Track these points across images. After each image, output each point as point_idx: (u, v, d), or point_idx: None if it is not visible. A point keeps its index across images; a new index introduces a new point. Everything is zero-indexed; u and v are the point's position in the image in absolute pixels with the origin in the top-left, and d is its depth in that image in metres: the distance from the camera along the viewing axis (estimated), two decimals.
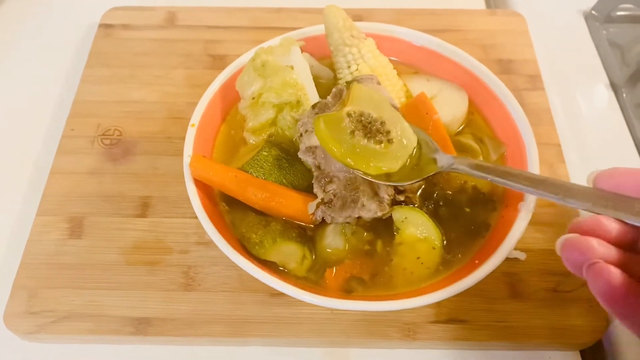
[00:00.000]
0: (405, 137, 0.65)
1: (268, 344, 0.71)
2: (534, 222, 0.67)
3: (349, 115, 0.65)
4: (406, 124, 0.66)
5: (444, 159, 0.65)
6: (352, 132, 0.64)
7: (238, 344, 0.72)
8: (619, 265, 0.45)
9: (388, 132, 0.65)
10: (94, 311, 0.72)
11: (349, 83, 0.71)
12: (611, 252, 0.47)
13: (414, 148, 0.66)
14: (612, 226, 0.48)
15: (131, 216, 0.80)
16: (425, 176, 0.64)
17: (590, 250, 0.46)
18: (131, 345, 0.72)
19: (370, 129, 0.64)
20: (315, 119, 0.65)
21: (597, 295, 0.45)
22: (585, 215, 0.54)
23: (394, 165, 0.64)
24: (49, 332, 0.71)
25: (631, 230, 0.48)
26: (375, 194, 0.66)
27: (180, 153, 0.74)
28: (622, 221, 0.48)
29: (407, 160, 0.65)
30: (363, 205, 0.65)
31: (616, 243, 0.47)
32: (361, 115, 0.65)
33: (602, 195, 0.49)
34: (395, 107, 0.69)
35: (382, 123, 0.65)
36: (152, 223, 0.79)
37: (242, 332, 0.70)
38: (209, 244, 0.76)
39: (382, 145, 0.64)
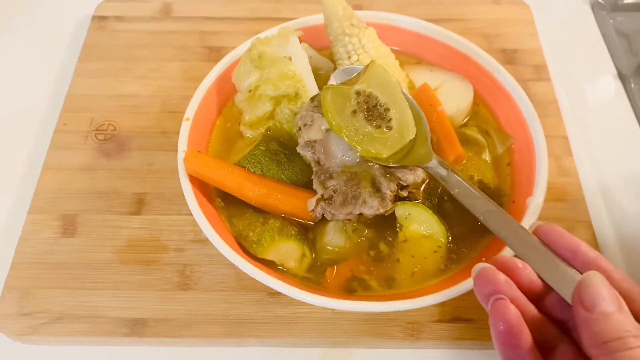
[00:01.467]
0: (405, 128, 0.65)
1: (267, 344, 0.70)
2: (541, 218, 0.65)
3: (357, 93, 0.66)
4: (410, 117, 0.66)
5: (425, 153, 0.66)
6: (355, 111, 0.65)
7: (236, 344, 0.70)
8: (520, 310, 0.48)
9: (389, 120, 0.65)
10: (88, 312, 0.70)
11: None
12: (517, 294, 0.49)
13: (410, 141, 0.65)
14: (524, 274, 0.50)
15: (125, 213, 0.78)
16: (406, 164, 0.65)
17: (498, 285, 0.48)
18: (126, 346, 0.70)
19: (373, 112, 0.65)
20: (324, 88, 0.66)
21: (493, 330, 0.47)
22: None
23: (383, 152, 0.64)
24: (42, 334, 0.69)
25: (541, 286, 0.51)
26: (377, 189, 0.64)
27: (175, 148, 0.72)
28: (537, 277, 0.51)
29: (398, 151, 0.64)
30: (364, 202, 0.63)
31: (525, 290, 0.50)
32: (369, 96, 0.66)
33: (536, 246, 0.51)
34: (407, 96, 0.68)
35: (387, 109, 0.65)
36: (147, 220, 0.77)
37: (240, 333, 0.68)
38: (206, 241, 0.73)
39: (379, 130, 0.64)
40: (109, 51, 0.96)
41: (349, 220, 0.66)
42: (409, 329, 0.68)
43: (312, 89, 0.74)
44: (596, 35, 1.02)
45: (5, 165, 0.86)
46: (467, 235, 0.68)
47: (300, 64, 0.73)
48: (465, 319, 0.69)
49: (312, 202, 0.66)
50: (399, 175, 0.64)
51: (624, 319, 0.43)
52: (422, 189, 0.69)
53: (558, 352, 0.48)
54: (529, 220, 0.64)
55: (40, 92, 0.95)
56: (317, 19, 0.82)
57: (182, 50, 0.96)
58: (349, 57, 0.76)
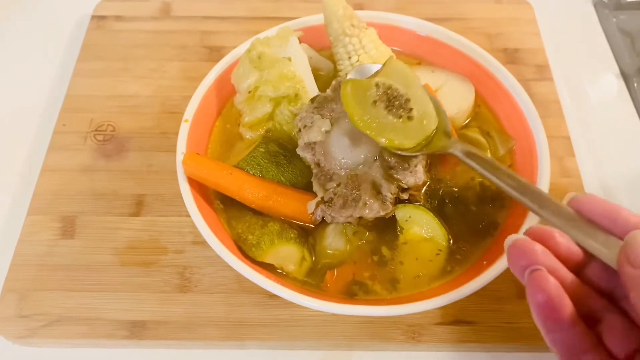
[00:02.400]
0: (427, 119, 0.65)
1: (267, 347, 0.69)
2: (543, 221, 0.65)
3: (377, 85, 0.66)
4: (431, 107, 0.66)
5: (447, 142, 0.65)
6: (375, 102, 0.65)
7: (236, 347, 0.69)
8: (560, 281, 0.45)
9: (410, 110, 0.65)
10: (87, 314, 0.69)
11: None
12: (556, 265, 0.46)
13: (433, 131, 0.65)
14: (563, 242, 0.47)
15: (125, 215, 0.77)
16: (429, 152, 0.64)
17: (534, 255, 0.45)
18: (125, 349, 0.70)
19: (394, 103, 0.65)
20: (344, 81, 0.66)
21: (531, 303, 0.45)
22: None
23: (407, 143, 0.63)
24: (41, 336, 0.68)
25: (581, 255, 0.47)
26: (377, 192, 0.63)
27: (175, 149, 0.71)
28: (576, 243, 0.48)
29: (420, 142, 0.64)
30: (365, 204, 0.62)
31: (564, 260, 0.47)
32: (389, 88, 0.65)
33: (573, 216, 0.48)
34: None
35: (407, 100, 0.65)
36: (147, 222, 0.77)
37: (239, 335, 0.68)
38: (205, 243, 0.72)
39: (401, 120, 0.64)
40: (108, 51, 0.96)
41: (349, 223, 0.65)
42: (410, 332, 0.68)
43: (312, 90, 0.73)
44: (599, 34, 1.02)
45: (4, 166, 0.86)
46: (469, 237, 0.67)
47: (300, 64, 0.72)
48: (467, 321, 0.68)
49: (312, 205, 0.66)
50: (400, 177, 0.64)
51: None
52: (422, 191, 0.68)
53: (605, 324, 0.45)
54: (531, 223, 0.63)
55: (39, 92, 0.94)
56: (317, 19, 0.82)
57: (181, 50, 0.96)
58: (349, 58, 0.76)
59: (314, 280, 0.66)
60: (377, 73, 0.68)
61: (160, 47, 0.96)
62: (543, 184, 0.66)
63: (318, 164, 0.67)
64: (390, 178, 0.64)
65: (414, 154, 0.64)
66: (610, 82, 0.95)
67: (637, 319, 0.43)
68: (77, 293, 0.71)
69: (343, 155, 0.65)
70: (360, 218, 0.64)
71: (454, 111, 0.75)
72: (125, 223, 0.77)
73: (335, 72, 0.80)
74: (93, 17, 1.01)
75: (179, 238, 0.75)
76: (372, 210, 0.62)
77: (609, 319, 0.45)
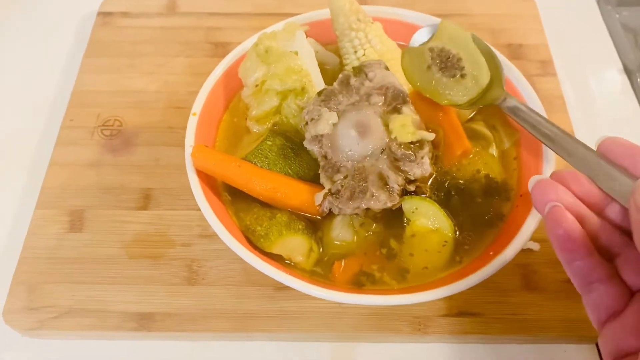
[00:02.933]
0: (479, 73, 0.70)
1: (274, 338, 0.70)
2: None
3: (430, 50, 0.72)
4: (483, 62, 0.70)
5: (498, 94, 0.69)
6: (429, 66, 0.71)
7: (243, 339, 0.70)
8: (580, 218, 0.48)
9: (462, 68, 0.70)
10: (96, 306, 0.70)
11: (355, 68, 0.69)
12: (576, 203, 0.49)
13: (485, 86, 0.69)
14: (585, 184, 0.50)
15: (132, 209, 0.78)
16: (482, 105, 0.70)
17: (556, 193, 0.49)
18: (134, 341, 0.70)
19: (446, 64, 0.71)
20: (402, 51, 0.74)
21: (551, 235, 0.48)
22: None
23: (460, 99, 0.69)
24: (50, 328, 0.69)
25: (602, 196, 0.50)
26: (384, 183, 0.64)
27: (182, 143, 0.72)
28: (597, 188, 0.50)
29: (475, 96, 0.69)
30: (372, 196, 0.63)
31: (585, 201, 0.50)
32: (442, 50, 0.72)
33: (597, 162, 0.51)
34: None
35: (459, 60, 0.70)
36: (154, 215, 0.77)
37: (247, 327, 0.68)
38: (213, 236, 0.74)
39: (455, 79, 0.70)
40: (115, 47, 0.96)
41: (356, 214, 0.66)
42: (416, 324, 0.68)
43: (319, 83, 0.74)
44: (602, 30, 1.02)
45: (13, 161, 0.86)
46: (475, 229, 0.68)
47: (306, 58, 0.73)
48: (472, 313, 0.69)
49: (319, 197, 0.66)
50: (406, 169, 0.64)
51: None
52: (429, 183, 0.69)
53: (622, 257, 0.48)
54: (536, 215, 0.64)
55: (46, 88, 0.95)
56: (322, 13, 0.82)
57: (187, 46, 0.96)
58: (355, 52, 0.76)
59: (321, 270, 0.66)
60: (432, 38, 0.75)
61: (166, 43, 0.97)
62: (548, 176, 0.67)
63: (325, 157, 0.67)
64: (396, 170, 0.64)
65: (468, 108, 0.70)
66: (613, 78, 0.96)
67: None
68: (85, 285, 0.72)
69: (350, 147, 0.66)
70: (367, 209, 0.64)
71: None
72: (133, 217, 0.77)
73: (341, 66, 0.80)
74: (99, 13, 1.01)
75: (187, 231, 0.76)
76: (379, 201, 0.63)
77: (626, 253, 0.48)
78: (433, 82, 0.70)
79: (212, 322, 0.69)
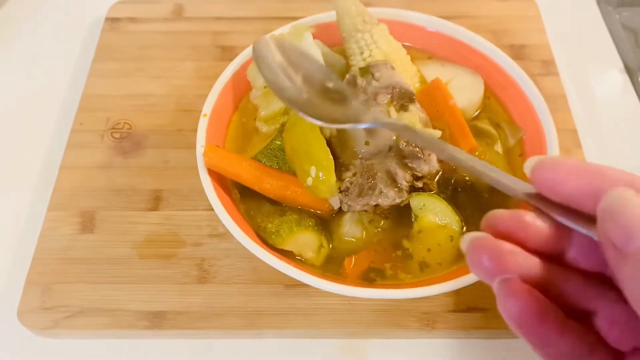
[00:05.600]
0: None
1: (284, 335, 0.70)
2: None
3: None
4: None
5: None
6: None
7: (254, 336, 0.71)
8: (538, 280, 0.37)
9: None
10: (109, 306, 0.71)
11: (361, 69, 0.71)
12: (529, 263, 0.37)
13: None
14: (536, 227, 0.38)
15: (143, 210, 0.79)
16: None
17: (502, 260, 0.36)
18: (146, 339, 0.71)
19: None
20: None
21: (506, 318, 0.36)
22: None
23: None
24: (64, 328, 0.70)
25: (559, 237, 0.38)
26: (393, 180, 0.65)
27: (191, 146, 0.73)
28: (551, 223, 0.38)
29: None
30: (381, 192, 0.64)
31: (538, 250, 0.38)
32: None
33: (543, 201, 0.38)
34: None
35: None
36: (165, 216, 0.78)
37: (257, 324, 0.69)
38: (222, 236, 0.75)
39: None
40: (123, 52, 0.98)
41: (365, 211, 0.67)
42: (425, 319, 0.69)
43: None
44: (602, 30, 1.03)
45: (24, 164, 0.87)
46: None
47: None
48: (479, 308, 0.69)
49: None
50: (414, 166, 0.65)
51: None
52: (436, 179, 0.70)
53: (601, 315, 0.37)
54: None
55: (55, 92, 0.96)
56: (328, 16, 0.84)
57: (195, 50, 0.98)
58: (362, 53, 0.77)
59: (332, 266, 0.67)
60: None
61: (173, 47, 0.98)
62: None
63: (334, 155, 0.68)
64: (404, 167, 0.65)
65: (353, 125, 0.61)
66: (614, 77, 0.97)
67: (632, 307, 0.33)
68: (98, 285, 0.72)
69: (358, 145, 0.67)
70: (376, 206, 0.65)
71: (464, 103, 0.76)
72: (144, 217, 0.78)
73: (347, 67, 0.82)
74: (107, 19, 1.02)
75: (197, 231, 0.77)
76: (388, 198, 0.64)
77: (605, 308, 0.37)
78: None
79: (223, 320, 0.70)
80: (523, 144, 0.75)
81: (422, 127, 0.66)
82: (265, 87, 0.74)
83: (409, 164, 0.65)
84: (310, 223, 0.68)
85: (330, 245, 0.69)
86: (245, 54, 0.81)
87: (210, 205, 0.68)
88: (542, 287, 0.37)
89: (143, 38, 1.00)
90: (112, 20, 1.02)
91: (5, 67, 1.01)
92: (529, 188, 0.39)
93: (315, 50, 0.75)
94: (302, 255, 0.67)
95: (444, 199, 0.67)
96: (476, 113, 0.79)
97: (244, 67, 0.80)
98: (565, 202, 0.37)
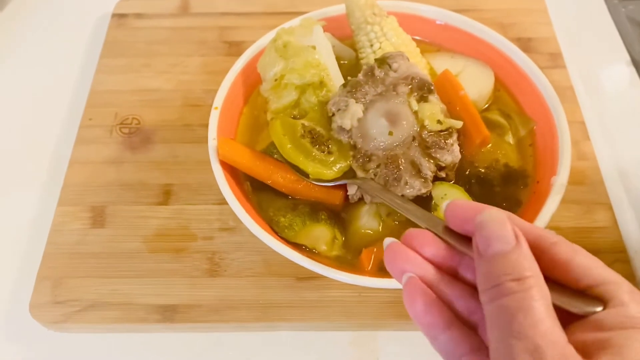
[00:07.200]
0: (344, 155, 0.69)
1: (296, 328, 0.71)
2: (562, 200, 0.66)
3: (303, 125, 0.70)
4: (347, 150, 0.69)
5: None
6: (302, 136, 0.69)
7: (265, 329, 0.71)
8: (431, 284, 0.44)
9: (330, 147, 0.69)
10: (120, 300, 0.71)
11: (378, 60, 0.70)
12: (426, 268, 0.45)
13: (347, 167, 0.68)
14: (436, 245, 0.46)
15: (153, 204, 0.79)
16: (338, 182, 0.68)
17: (407, 261, 0.45)
18: (157, 333, 0.71)
19: (317, 139, 0.69)
20: (273, 118, 0.71)
21: (410, 312, 0.44)
22: None
23: (327, 173, 0.67)
24: (75, 322, 0.70)
25: (453, 255, 0.45)
26: (417, 171, 0.65)
27: (199, 140, 0.73)
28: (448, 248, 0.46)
29: (339, 174, 0.68)
30: (406, 183, 0.64)
31: (436, 263, 0.45)
32: (313, 129, 0.70)
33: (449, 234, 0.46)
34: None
35: (329, 139, 0.70)
36: (175, 210, 0.78)
37: (269, 317, 0.69)
38: (233, 229, 0.76)
39: (324, 154, 0.68)
40: (130, 48, 0.98)
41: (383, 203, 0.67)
42: None
43: (336, 77, 0.75)
44: (608, 23, 1.03)
45: (34, 160, 0.87)
46: None
47: (324, 52, 0.74)
48: None
49: (353, 187, 0.67)
50: (438, 156, 0.65)
51: (515, 258, 0.38)
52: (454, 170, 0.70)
53: (482, 326, 0.43)
54: (554, 200, 0.65)
55: (64, 88, 0.96)
56: (337, 9, 0.84)
57: (201, 46, 0.98)
58: (371, 45, 0.77)
59: (346, 258, 0.67)
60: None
61: (180, 43, 0.98)
62: (565, 161, 0.68)
63: (354, 146, 0.68)
64: (428, 157, 0.65)
65: (331, 183, 0.68)
66: (621, 70, 0.97)
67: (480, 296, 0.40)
68: (109, 279, 0.72)
69: (381, 136, 0.67)
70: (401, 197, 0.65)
71: (474, 95, 0.76)
72: (154, 212, 0.78)
73: (357, 60, 0.82)
74: (114, 15, 1.03)
75: (207, 225, 0.77)
76: (414, 188, 0.64)
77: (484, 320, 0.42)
78: (303, 150, 0.67)
79: (234, 313, 0.70)
80: (534, 134, 0.75)
81: (444, 118, 0.66)
82: (275, 79, 0.74)
83: (433, 154, 0.65)
84: (323, 216, 0.68)
85: (343, 238, 0.69)
86: (255, 47, 0.81)
87: (221, 198, 0.68)
88: (434, 290, 0.44)
89: (150, 34, 1.00)
90: (119, 17, 1.02)
91: (13, 63, 1.01)
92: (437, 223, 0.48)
93: (325, 42, 0.75)
94: (315, 248, 0.67)
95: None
96: (486, 105, 0.79)
97: (253, 60, 0.80)
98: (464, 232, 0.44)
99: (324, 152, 0.68)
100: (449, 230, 0.46)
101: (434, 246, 0.45)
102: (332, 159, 0.68)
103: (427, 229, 0.48)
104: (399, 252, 0.45)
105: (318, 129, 0.70)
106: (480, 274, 0.39)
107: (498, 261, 0.38)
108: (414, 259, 0.45)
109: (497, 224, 0.39)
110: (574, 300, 0.38)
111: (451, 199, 0.65)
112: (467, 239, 0.43)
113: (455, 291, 0.44)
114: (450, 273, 0.45)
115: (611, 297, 0.38)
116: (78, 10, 1.08)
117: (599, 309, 0.38)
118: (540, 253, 0.40)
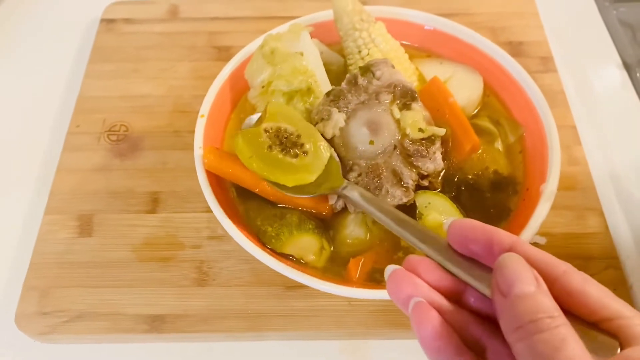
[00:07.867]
0: (320, 149, 0.66)
1: (285, 337, 0.70)
2: (553, 206, 0.66)
3: (266, 130, 0.66)
4: (320, 137, 0.67)
5: (340, 181, 0.65)
6: (270, 146, 0.65)
7: (254, 338, 0.70)
8: (438, 310, 0.44)
9: (302, 145, 0.66)
10: (107, 310, 0.70)
11: (362, 68, 0.70)
12: (432, 294, 0.45)
13: (328, 159, 0.66)
14: (439, 272, 0.46)
15: (141, 212, 0.78)
16: (324, 193, 0.65)
17: (414, 287, 0.45)
18: (145, 343, 0.71)
19: (287, 143, 0.66)
20: (234, 135, 0.68)
21: (418, 337, 0.43)
22: None
23: (309, 177, 0.65)
24: (62, 333, 0.69)
25: (457, 283, 0.46)
26: (399, 180, 0.64)
27: (188, 147, 0.72)
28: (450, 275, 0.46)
29: (321, 173, 0.65)
30: (387, 192, 0.63)
31: (442, 289, 0.46)
32: (278, 130, 0.67)
33: (450, 255, 0.47)
34: None
35: (298, 136, 0.66)
36: (163, 219, 0.78)
37: (258, 327, 0.69)
38: (222, 238, 0.75)
39: (298, 158, 0.65)
40: (119, 53, 0.97)
41: None
42: None
43: (324, 83, 0.74)
44: (600, 26, 1.03)
45: (21, 167, 0.87)
46: (484, 221, 0.67)
47: (311, 59, 0.73)
48: None
49: (333, 196, 0.67)
50: (420, 164, 0.65)
51: (540, 299, 0.39)
52: (440, 178, 0.69)
53: (490, 350, 0.44)
54: (544, 207, 0.64)
55: (52, 94, 0.95)
56: (326, 15, 0.83)
57: (191, 51, 0.97)
58: (360, 52, 0.77)
59: (334, 269, 0.67)
60: (261, 119, 0.69)
61: (169, 48, 0.98)
62: (554, 168, 0.67)
63: (337, 155, 0.68)
64: (410, 165, 0.65)
65: (313, 195, 0.65)
66: (613, 73, 0.97)
67: (507, 340, 0.40)
68: (96, 289, 0.72)
69: (362, 145, 0.66)
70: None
71: (463, 101, 0.76)
72: (142, 220, 0.78)
73: (345, 66, 0.81)
74: (102, 20, 1.02)
75: (195, 233, 0.76)
76: (395, 197, 0.63)
77: (493, 345, 0.43)
78: (276, 163, 0.64)
79: (223, 322, 0.69)
80: (523, 140, 0.75)
81: (426, 126, 0.66)
82: (263, 86, 0.73)
83: (415, 163, 0.65)
84: (310, 226, 0.67)
85: (332, 248, 0.68)
86: (243, 53, 0.80)
87: (209, 207, 0.67)
88: (441, 316, 0.44)
89: (139, 39, 0.99)
90: (107, 22, 1.02)
91: (0, 69, 1.00)
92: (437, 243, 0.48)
93: (312, 49, 0.74)
94: (303, 258, 0.67)
95: (448, 197, 0.66)
96: (475, 111, 0.78)
97: (241, 66, 0.79)
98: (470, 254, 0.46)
99: (297, 155, 0.65)
100: (451, 249, 0.46)
101: (436, 272, 0.46)
102: (308, 159, 0.65)
103: (427, 256, 0.48)
104: (405, 278, 0.45)
105: (283, 126, 0.67)
106: (504, 313, 0.40)
107: (523, 302, 0.39)
108: (421, 285, 0.45)
109: (518, 264, 0.40)
110: (590, 342, 0.38)
111: (435, 207, 0.65)
112: (469, 259, 0.45)
113: (462, 317, 0.44)
114: (454, 299, 0.46)
115: (631, 334, 0.38)
116: (66, 15, 1.08)
117: (617, 351, 0.38)
118: (551, 282, 0.41)
